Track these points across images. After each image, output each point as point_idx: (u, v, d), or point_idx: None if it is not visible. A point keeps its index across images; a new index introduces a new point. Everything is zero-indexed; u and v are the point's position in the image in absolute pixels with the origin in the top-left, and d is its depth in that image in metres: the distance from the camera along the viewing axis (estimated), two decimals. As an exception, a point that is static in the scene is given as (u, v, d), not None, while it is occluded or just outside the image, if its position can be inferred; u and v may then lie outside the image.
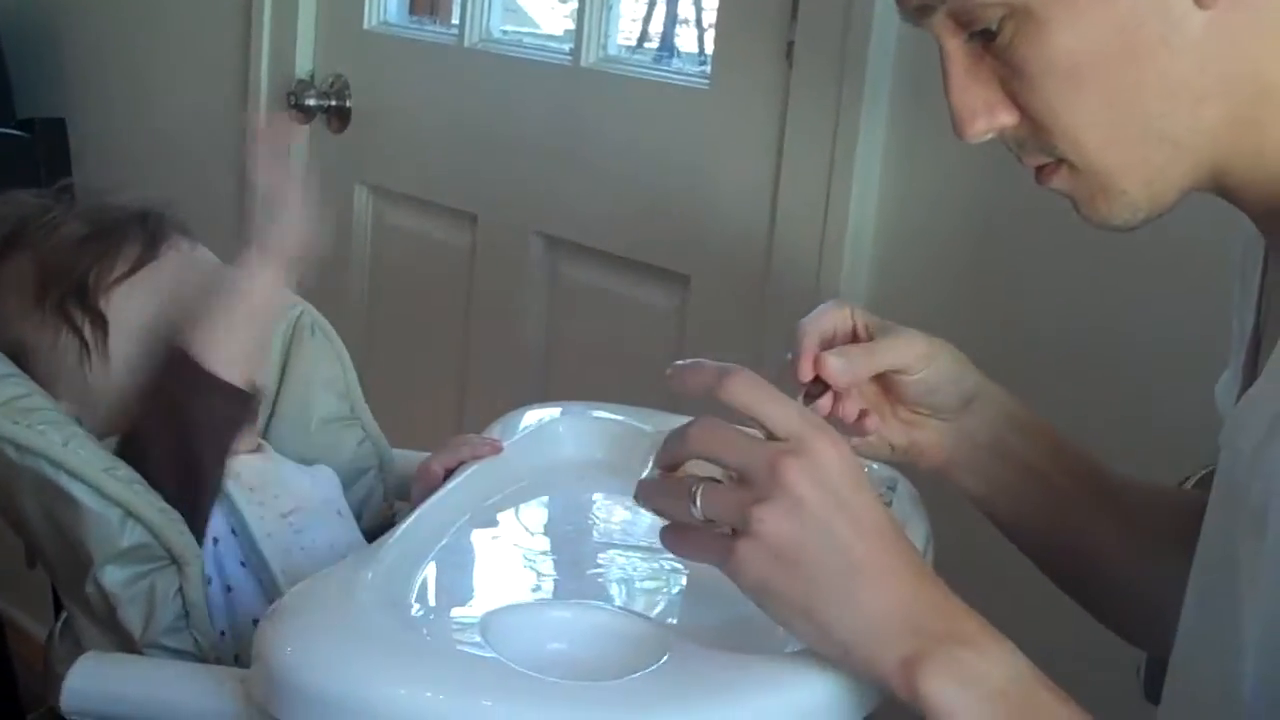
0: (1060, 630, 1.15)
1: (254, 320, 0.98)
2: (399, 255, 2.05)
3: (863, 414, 0.95)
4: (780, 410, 0.75)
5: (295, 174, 1.00)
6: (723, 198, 1.62)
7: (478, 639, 0.79)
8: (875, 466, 1.01)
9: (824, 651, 0.74)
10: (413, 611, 0.83)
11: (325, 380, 1.17)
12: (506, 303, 1.88)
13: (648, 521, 0.95)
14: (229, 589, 0.99)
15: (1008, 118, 0.82)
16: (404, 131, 2.02)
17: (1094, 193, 0.82)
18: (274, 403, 1.15)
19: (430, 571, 0.91)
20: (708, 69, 1.68)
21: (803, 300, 1.28)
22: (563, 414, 1.15)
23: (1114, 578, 0.98)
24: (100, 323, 1.02)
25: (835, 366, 0.92)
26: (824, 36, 1.53)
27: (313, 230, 0.98)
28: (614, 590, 0.92)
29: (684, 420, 1.06)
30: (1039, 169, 0.83)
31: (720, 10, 1.64)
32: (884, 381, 0.97)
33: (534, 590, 0.91)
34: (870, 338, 0.96)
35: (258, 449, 1.08)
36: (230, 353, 0.96)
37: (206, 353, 0.96)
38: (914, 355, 0.95)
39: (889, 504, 0.95)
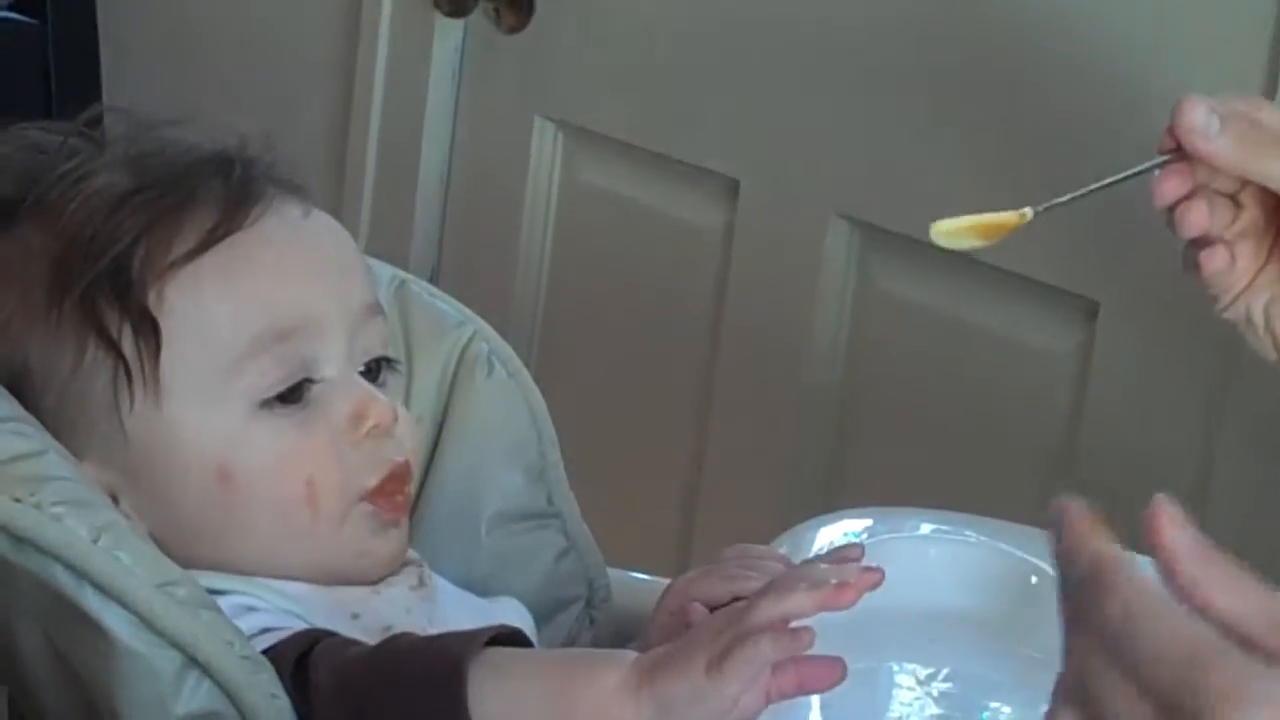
0: None
1: None
2: (601, 236, 1.99)
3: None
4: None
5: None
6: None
7: None
8: None
9: None
10: None
11: (508, 448, 1.18)
12: (783, 319, 1.84)
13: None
14: None
15: None
16: (619, 38, 1.96)
17: None
18: (423, 483, 1.15)
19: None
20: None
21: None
22: (877, 528, 1.16)
23: None
24: (149, 330, 1.01)
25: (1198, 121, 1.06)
26: None
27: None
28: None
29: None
30: None
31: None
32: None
33: None
34: None
35: (414, 577, 1.08)
36: None
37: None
38: None
39: None
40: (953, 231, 1.14)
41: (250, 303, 1.03)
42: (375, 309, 1.10)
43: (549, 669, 0.97)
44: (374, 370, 1.07)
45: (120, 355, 1.02)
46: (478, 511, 1.16)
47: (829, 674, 0.90)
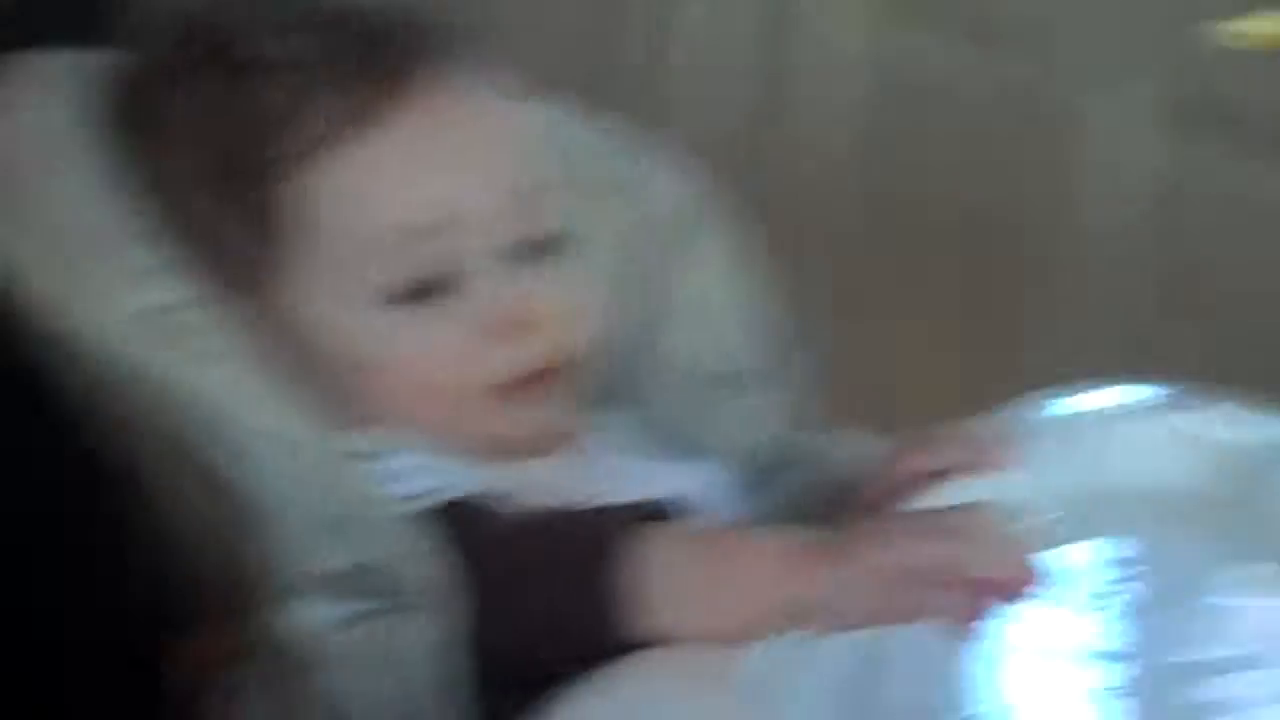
0: None
1: (740, 622, 0.92)
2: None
3: None
4: None
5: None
6: None
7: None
8: None
9: None
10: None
11: (724, 306, 1.17)
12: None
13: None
14: None
15: None
16: None
17: None
18: (635, 345, 1.14)
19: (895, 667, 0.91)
20: None
21: None
22: (1129, 404, 1.11)
23: None
24: (287, 216, 1.01)
25: None
26: None
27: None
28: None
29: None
30: None
31: None
32: None
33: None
34: None
35: (572, 447, 1.07)
36: (685, 620, 0.92)
37: (646, 597, 0.92)
38: None
39: None
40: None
41: (393, 194, 1.01)
42: (534, 191, 1.05)
43: (701, 548, 0.95)
44: (536, 252, 1.04)
45: (260, 240, 1.01)
46: (695, 371, 1.15)
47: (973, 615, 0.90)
